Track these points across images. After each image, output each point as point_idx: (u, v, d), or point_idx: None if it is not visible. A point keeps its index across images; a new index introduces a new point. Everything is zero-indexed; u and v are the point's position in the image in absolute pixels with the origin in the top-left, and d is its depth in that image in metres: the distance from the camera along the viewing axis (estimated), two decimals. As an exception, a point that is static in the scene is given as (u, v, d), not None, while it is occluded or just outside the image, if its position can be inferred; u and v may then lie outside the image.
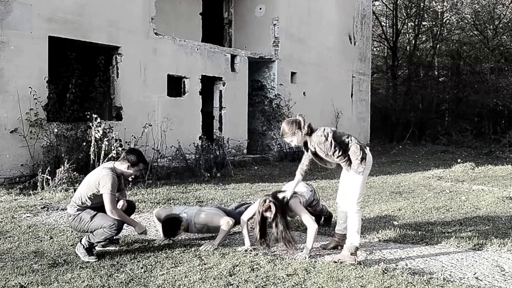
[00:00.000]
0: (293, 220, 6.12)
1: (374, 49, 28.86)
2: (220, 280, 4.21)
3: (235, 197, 8.24)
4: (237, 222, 5.47)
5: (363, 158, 4.78)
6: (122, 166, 4.95)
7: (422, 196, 8.62)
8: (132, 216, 5.37)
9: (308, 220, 5.04)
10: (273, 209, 4.92)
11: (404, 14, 27.95)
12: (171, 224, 5.28)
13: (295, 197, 5.24)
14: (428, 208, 7.52)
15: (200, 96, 12.71)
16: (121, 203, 5.07)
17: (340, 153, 4.78)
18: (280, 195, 5.16)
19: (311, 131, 4.87)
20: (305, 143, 4.96)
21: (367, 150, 4.95)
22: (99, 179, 4.82)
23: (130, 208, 5.27)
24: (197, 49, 12.64)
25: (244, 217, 5.29)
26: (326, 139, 4.78)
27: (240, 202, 6.79)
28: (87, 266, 4.53)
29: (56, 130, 9.12)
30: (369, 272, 4.38)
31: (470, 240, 5.48)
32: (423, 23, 28.42)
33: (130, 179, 5.24)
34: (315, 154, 4.96)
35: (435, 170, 12.68)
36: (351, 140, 4.87)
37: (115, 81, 10.75)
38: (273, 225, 4.98)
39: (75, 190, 7.97)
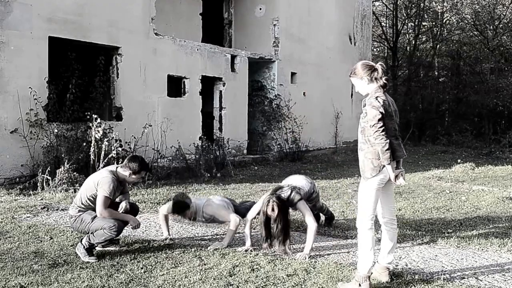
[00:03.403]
0: (293, 220, 6.12)
1: (374, 49, 28.87)
2: (220, 281, 4.21)
3: (235, 197, 8.23)
4: (243, 217, 5.51)
5: (389, 150, 3.93)
6: (124, 172, 4.95)
7: (422, 196, 8.62)
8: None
9: (310, 219, 5.06)
10: (276, 209, 4.93)
11: (404, 15, 27.98)
12: (180, 203, 5.36)
13: (297, 193, 5.22)
14: (428, 208, 7.53)
15: (200, 96, 12.71)
16: (124, 204, 5.07)
17: (381, 131, 3.89)
18: (283, 194, 5.16)
19: (383, 90, 4.05)
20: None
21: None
22: (98, 180, 4.83)
23: (133, 211, 5.28)
24: (197, 50, 12.64)
25: (249, 216, 5.29)
26: (376, 108, 3.93)
27: (242, 201, 6.79)
28: (87, 267, 4.53)
29: (56, 131, 9.12)
30: (369, 272, 4.38)
31: (470, 240, 5.49)
32: (423, 23, 28.45)
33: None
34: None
35: (435, 170, 12.69)
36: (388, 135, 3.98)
37: (115, 81, 10.75)
38: (274, 224, 5.00)
39: (75, 190, 8.01)
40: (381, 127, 3.90)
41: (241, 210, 5.69)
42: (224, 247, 5.13)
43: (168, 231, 5.53)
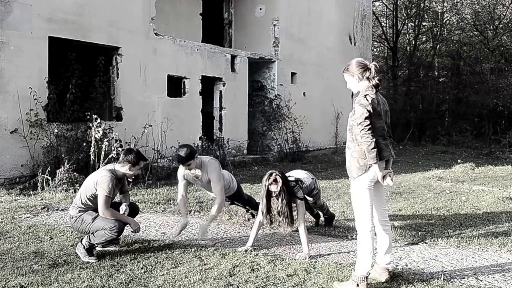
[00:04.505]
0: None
1: (374, 49, 28.87)
2: (220, 281, 4.21)
3: (235, 197, 8.23)
4: (237, 201, 5.92)
5: (375, 149, 3.89)
6: (123, 168, 4.95)
7: (422, 197, 8.62)
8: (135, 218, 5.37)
9: (301, 219, 5.00)
10: (279, 182, 4.89)
11: (404, 15, 27.98)
12: (187, 151, 5.29)
13: (300, 189, 5.19)
14: (428, 208, 7.52)
15: (200, 96, 12.71)
16: (123, 207, 5.07)
17: (367, 130, 3.87)
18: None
19: (375, 90, 4.02)
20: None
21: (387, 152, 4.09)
22: (97, 180, 4.83)
23: (134, 211, 5.28)
24: (197, 50, 12.64)
25: (259, 217, 5.18)
26: (364, 106, 3.92)
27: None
28: (87, 267, 4.53)
29: (56, 131, 9.12)
30: (369, 273, 4.37)
31: (470, 240, 5.49)
32: (423, 23, 28.45)
33: (130, 179, 5.26)
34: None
35: (435, 170, 12.69)
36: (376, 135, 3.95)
37: (115, 81, 10.75)
38: (277, 198, 4.93)
39: (75, 190, 8.01)
40: (367, 125, 3.88)
41: (243, 196, 5.74)
42: (206, 226, 5.44)
43: (186, 216, 5.69)
